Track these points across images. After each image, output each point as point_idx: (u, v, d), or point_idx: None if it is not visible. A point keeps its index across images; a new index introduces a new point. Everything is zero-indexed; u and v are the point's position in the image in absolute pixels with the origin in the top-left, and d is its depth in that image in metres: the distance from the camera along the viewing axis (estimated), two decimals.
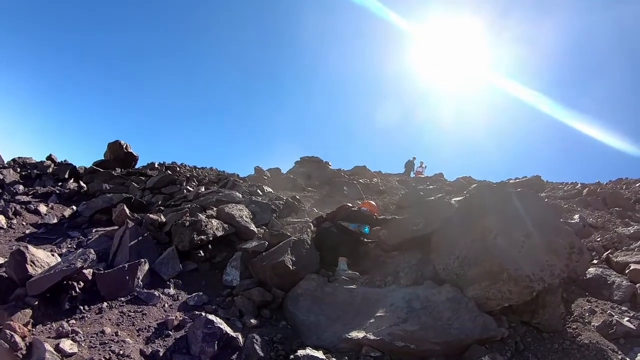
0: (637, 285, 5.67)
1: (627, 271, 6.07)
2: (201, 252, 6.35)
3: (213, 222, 6.81)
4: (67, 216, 8.71)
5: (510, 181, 15.83)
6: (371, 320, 4.78)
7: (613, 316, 5.12)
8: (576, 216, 8.77)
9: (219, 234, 6.71)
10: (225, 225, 6.94)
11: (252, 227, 7.25)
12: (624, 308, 5.40)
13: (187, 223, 6.58)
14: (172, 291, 5.44)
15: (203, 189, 10.00)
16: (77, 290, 4.92)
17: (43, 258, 5.29)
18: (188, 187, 10.70)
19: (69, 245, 7.02)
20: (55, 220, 8.39)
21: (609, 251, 6.98)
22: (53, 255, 5.75)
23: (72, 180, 11.66)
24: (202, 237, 6.43)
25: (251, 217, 7.70)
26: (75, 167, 12.69)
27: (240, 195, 8.98)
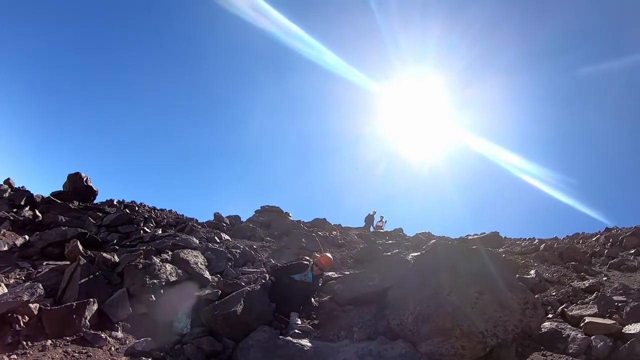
0: (592, 337, 5.74)
1: (582, 324, 6.16)
2: (152, 296, 6.36)
3: (167, 266, 6.88)
4: (18, 245, 8.53)
5: (469, 237, 16.33)
6: None
7: None
8: (532, 271, 9.10)
9: (172, 279, 6.78)
10: (179, 271, 7.03)
11: (207, 274, 7.36)
12: None
13: (141, 266, 6.63)
14: (119, 334, 5.43)
15: (160, 232, 10.04)
16: (22, 324, 4.88)
17: None
18: (145, 227, 10.70)
19: (17, 276, 6.89)
20: (5, 248, 8.20)
21: (564, 305, 7.17)
22: (0, 285, 5.69)
23: (27, 208, 11.41)
24: (155, 281, 6.47)
25: (206, 264, 7.81)
26: (32, 195, 12.46)
27: (197, 241, 9.08)
